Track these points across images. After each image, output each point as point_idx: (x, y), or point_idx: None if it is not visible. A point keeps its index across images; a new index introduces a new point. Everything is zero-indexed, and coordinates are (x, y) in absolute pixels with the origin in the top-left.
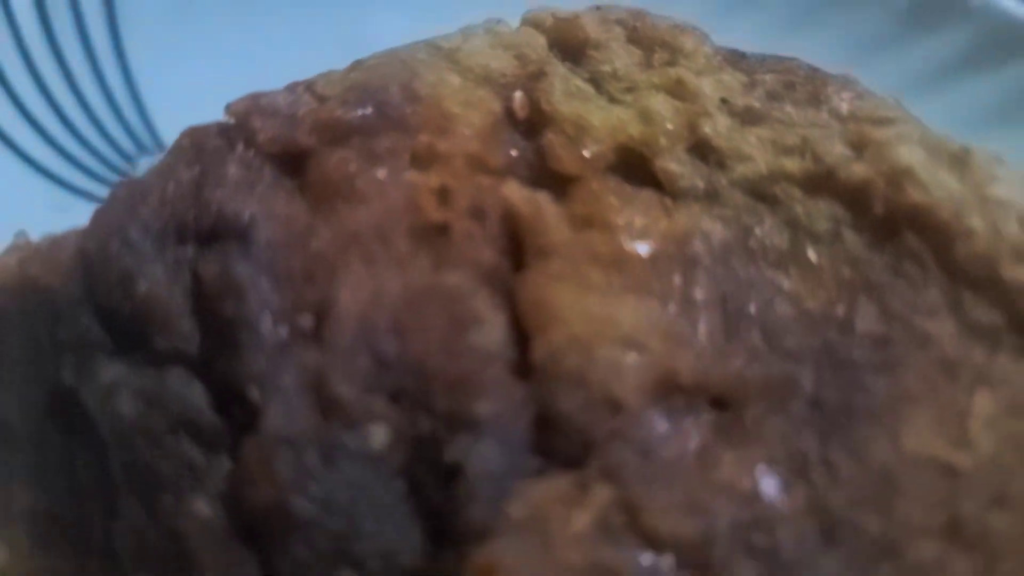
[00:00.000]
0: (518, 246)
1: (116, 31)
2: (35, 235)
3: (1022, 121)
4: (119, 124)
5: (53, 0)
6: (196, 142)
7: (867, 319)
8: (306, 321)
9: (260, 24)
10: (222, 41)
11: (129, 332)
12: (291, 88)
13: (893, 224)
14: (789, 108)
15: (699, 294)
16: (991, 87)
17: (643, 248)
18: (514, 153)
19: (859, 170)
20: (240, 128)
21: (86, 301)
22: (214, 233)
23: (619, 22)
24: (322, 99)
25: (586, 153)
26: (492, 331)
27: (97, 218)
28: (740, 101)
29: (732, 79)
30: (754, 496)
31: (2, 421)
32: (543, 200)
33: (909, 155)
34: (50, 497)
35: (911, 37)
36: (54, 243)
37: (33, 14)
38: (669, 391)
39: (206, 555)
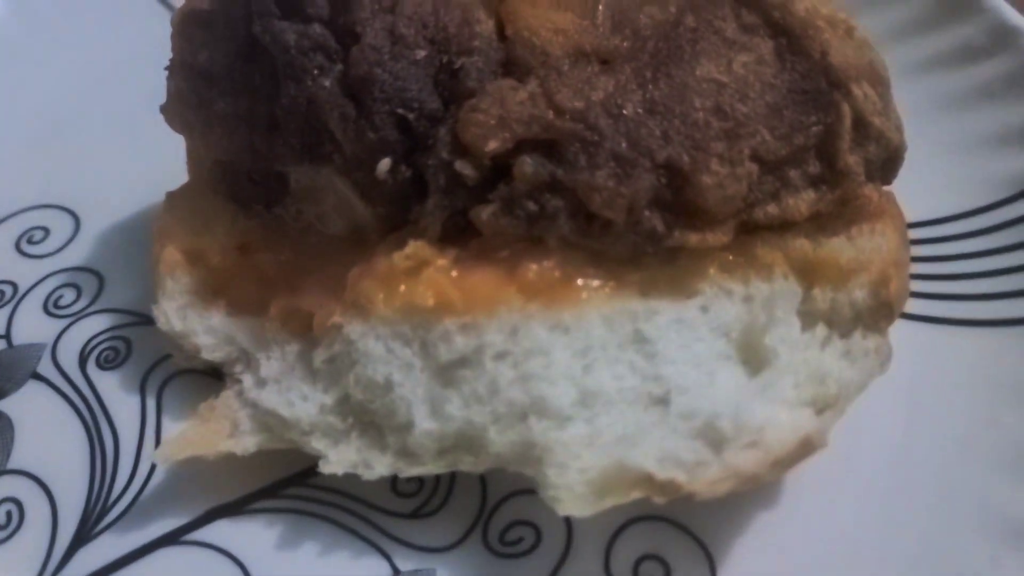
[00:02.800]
0: None
1: None
2: None
3: None
4: None
5: None
6: None
7: (688, 21)
8: (386, 2)
9: None
10: None
11: (292, 6)
12: None
13: None
14: None
15: (599, 12)
16: None
17: None
18: None
19: None
20: None
21: None
22: None
23: None
24: None
25: None
26: (485, 26)
27: None
28: None
29: None
30: (614, 92)
31: (208, 72)
32: None
33: None
34: (236, 103)
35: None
36: None
37: None
38: (577, 54)
39: (327, 104)
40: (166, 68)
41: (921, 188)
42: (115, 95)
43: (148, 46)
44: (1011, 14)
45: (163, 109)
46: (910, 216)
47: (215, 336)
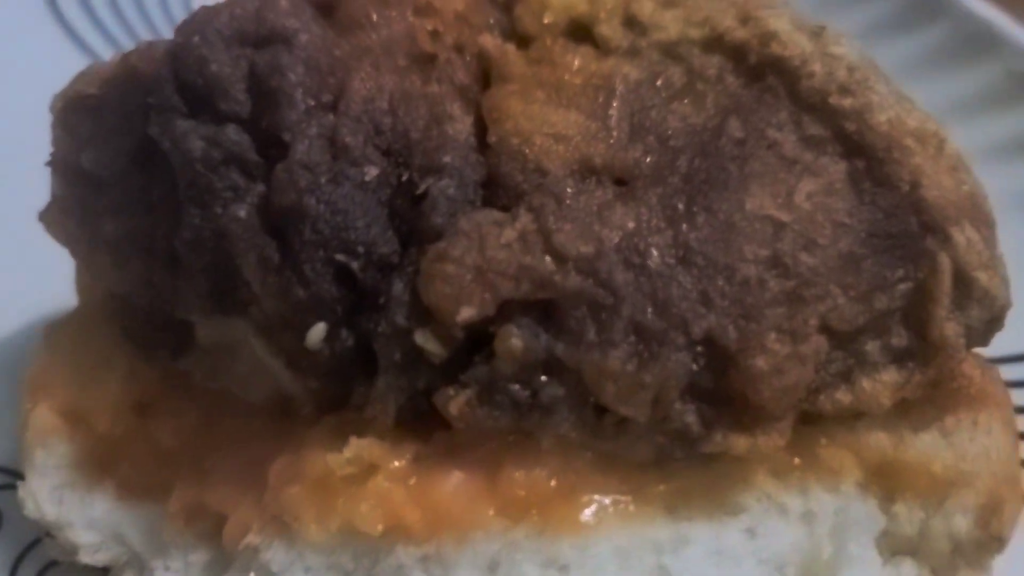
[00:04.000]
0: (486, 76)
1: None
2: None
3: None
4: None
5: None
6: None
7: (733, 128)
8: (327, 97)
9: None
10: None
11: (200, 100)
12: None
13: (761, 69)
14: None
15: (613, 111)
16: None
17: (577, 79)
18: (491, 20)
19: (741, 34)
20: None
21: (170, 79)
22: (267, 40)
23: None
24: None
25: (546, 21)
26: (460, 126)
27: (182, 26)
28: None
29: None
30: (635, 232)
31: (95, 177)
32: (509, 47)
33: (776, 23)
34: (128, 224)
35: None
36: (150, 44)
37: None
38: (584, 169)
39: (241, 243)
40: (47, 163)
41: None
42: None
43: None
44: None
45: (42, 216)
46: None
47: (99, 532)
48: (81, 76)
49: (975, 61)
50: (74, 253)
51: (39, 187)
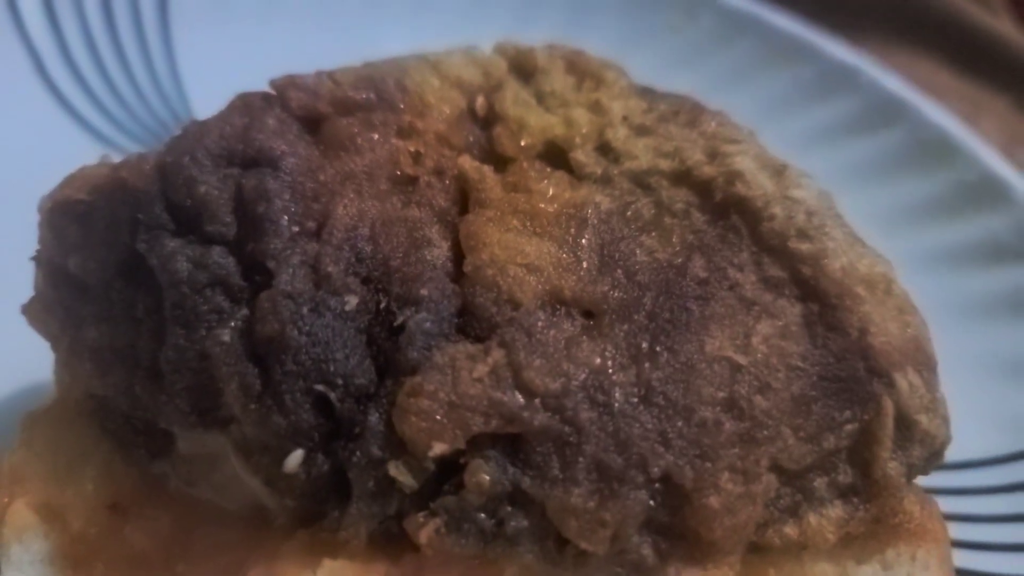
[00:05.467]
0: (464, 199)
1: (167, 26)
2: None
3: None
4: (159, 97)
5: None
6: (246, 102)
7: (696, 267)
8: (311, 224)
9: (288, 32)
10: (256, 42)
11: (188, 219)
12: (318, 73)
13: (725, 208)
14: (672, 127)
15: (584, 241)
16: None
17: (551, 207)
18: (471, 138)
19: (708, 170)
20: (279, 96)
21: (160, 197)
22: (255, 161)
23: (562, 56)
24: (338, 83)
25: (523, 143)
26: (438, 251)
27: (173, 142)
28: (637, 120)
29: (636, 104)
30: (600, 370)
31: (80, 282)
32: (487, 170)
33: (742, 163)
34: (112, 334)
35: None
36: (140, 157)
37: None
38: (554, 301)
39: (224, 368)
40: (32, 259)
41: None
42: None
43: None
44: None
45: (24, 310)
46: None
47: None
48: (71, 180)
49: (929, 167)
50: (55, 350)
51: (23, 270)
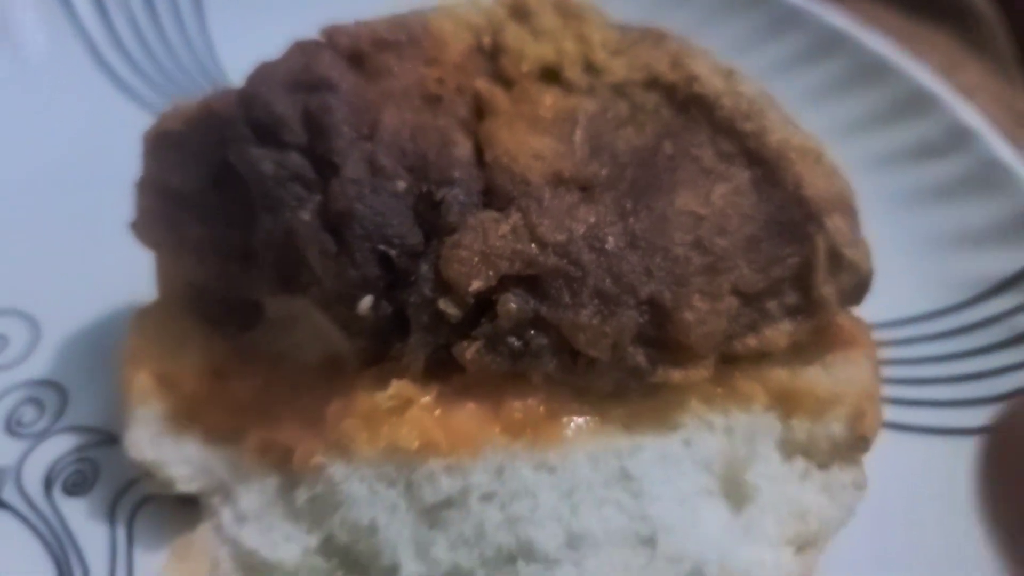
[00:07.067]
0: (480, 111)
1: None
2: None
3: None
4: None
5: None
6: (302, 46)
7: (666, 148)
8: (365, 130)
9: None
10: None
11: (267, 133)
12: (356, 22)
13: (686, 104)
14: (641, 48)
15: (577, 136)
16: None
17: (549, 113)
18: (482, 67)
19: (671, 77)
20: (328, 41)
21: (243, 118)
22: (316, 86)
23: (550, 1)
24: (374, 29)
25: (523, 69)
26: (463, 149)
27: (250, 78)
28: (614, 45)
29: (612, 34)
30: (595, 225)
31: (180, 194)
32: (497, 90)
33: (698, 69)
34: (210, 231)
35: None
36: (226, 90)
37: None
38: (556, 180)
39: (306, 238)
40: (136, 184)
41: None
42: (78, 193)
43: (116, 141)
44: (967, 116)
45: (133, 226)
46: (873, 316)
47: (191, 466)
48: (167, 115)
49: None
50: (161, 253)
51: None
